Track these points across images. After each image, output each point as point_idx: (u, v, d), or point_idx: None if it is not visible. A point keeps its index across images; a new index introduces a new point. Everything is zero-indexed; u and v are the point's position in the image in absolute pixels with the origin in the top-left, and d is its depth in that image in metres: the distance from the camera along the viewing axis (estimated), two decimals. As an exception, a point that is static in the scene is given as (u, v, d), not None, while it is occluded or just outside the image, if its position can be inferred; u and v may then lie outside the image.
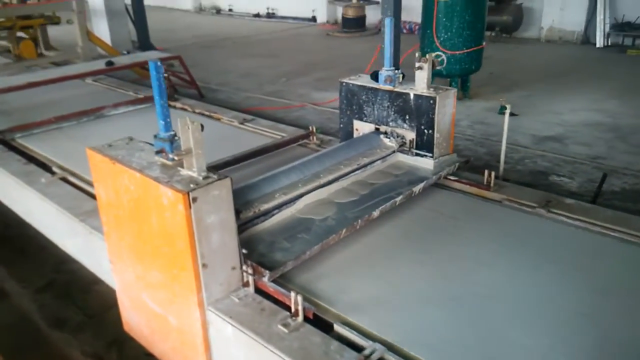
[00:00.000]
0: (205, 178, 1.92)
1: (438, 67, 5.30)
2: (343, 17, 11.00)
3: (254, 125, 4.24)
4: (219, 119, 4.49)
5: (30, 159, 3.70)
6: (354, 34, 10.67)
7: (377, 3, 10.92)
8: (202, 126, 1.92)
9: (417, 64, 2.93)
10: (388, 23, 2.96)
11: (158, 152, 2.07)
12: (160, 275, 2.10)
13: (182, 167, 2.00)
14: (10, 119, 4.47)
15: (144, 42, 8.85)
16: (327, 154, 2.92)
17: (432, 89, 2.93)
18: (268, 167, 3.46)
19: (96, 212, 2.78)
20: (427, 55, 2.92)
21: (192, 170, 1.96)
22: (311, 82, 6.87)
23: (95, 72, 5.01)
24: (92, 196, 3.02)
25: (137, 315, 2.42)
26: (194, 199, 1.83)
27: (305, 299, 1.94)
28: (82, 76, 5.06)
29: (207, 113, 4.64)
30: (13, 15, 6.51)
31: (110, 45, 7.78)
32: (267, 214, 2.45)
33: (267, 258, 2.18)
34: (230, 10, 15.42)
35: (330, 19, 12.47)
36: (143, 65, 5.46)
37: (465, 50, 5.41)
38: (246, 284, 2.08)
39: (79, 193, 3.04)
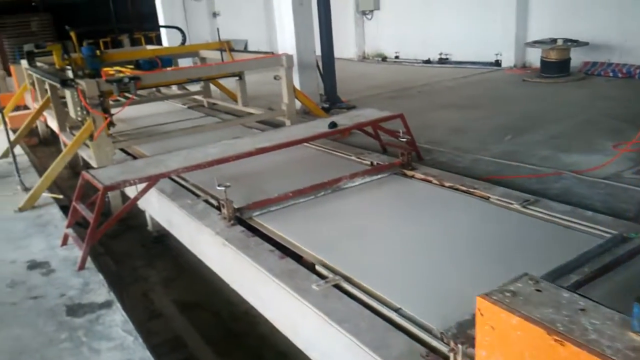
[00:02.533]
0: None
1: None
2: (542, 61, 9.66)
3: (544, 210, 3.19)
4: (485, 198, 3.53)
5: (279, 246, 3.06)
6: (556, 80, 9.27)
7: (586, 44, 9.44)
8: None
9: None
10: None
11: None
12: None
13: None
14: (237, 189, 3.99)
15: (331, 95, 8.45)
16: None
17: None
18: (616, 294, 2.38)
19: (417, 356, 1.96)
20: None
21: None
22: (546, 140, 5.68)
23: (321, 135, 4.43)
24: (390, 322, 2.21)
25: None
26: None
27: None
28: (308, 140, 4.50)
29: (463, 188, 3.70)
30: (226, 71, 6.43)
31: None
32: None
33: None
34: (396, 57, 14.88)
35: (518, 63, 11.19)
36: (361, 127, 4.78)
37: None
38: None
39: (373, 317, 2.21)
